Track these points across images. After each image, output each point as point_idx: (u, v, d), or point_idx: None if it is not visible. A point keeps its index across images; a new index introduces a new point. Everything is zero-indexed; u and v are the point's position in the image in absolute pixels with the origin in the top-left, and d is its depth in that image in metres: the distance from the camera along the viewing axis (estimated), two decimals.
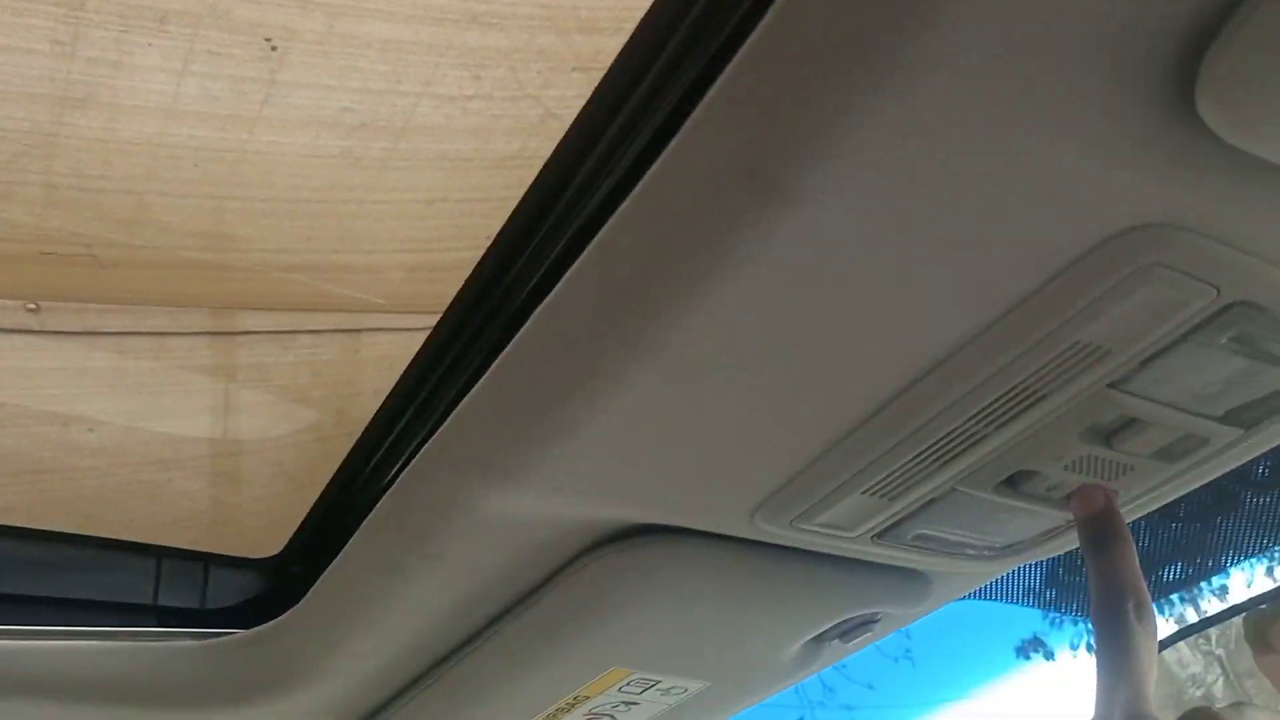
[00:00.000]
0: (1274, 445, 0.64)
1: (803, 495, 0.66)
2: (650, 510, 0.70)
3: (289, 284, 0.76)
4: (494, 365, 0.61)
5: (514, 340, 0.59)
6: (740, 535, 0.72)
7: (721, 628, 0.82)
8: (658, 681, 0.88)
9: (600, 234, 0.53)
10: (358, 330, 0.81)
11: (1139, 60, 0.40)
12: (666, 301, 0.51)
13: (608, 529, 0.72)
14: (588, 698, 0.88)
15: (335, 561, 0.79)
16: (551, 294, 0.56)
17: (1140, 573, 0.58)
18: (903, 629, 0.92)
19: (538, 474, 0.63)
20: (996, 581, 0.94)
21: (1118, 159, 0.44)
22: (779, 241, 0.47)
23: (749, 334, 0.53)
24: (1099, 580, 0.59)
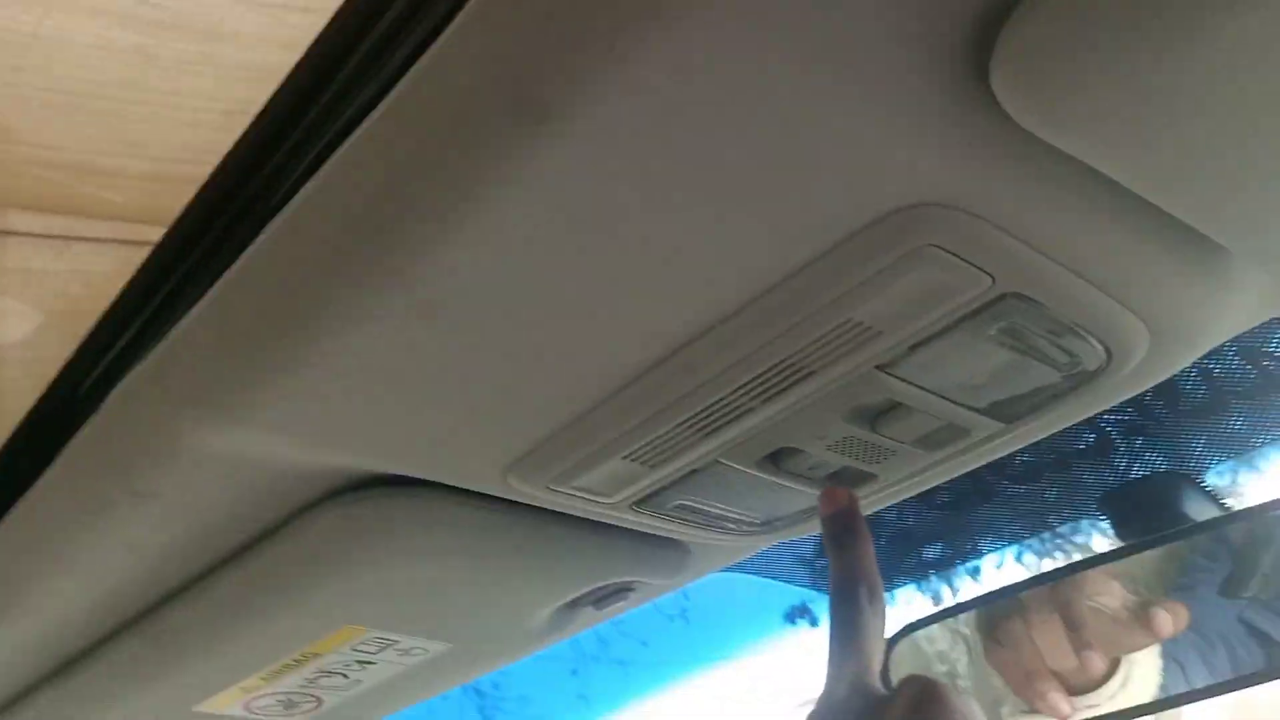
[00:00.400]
0: (1031, 441, 0.67)
1: (560, 456, 0.63)
2: (391, 460, 0.65)
3: (66, 186, 0.70)
4: (215, 287, 0.55)
5: (239, 260, 0.54)
6: (492, 493, 0.69)
7: (467, 589, 0.80)
8: (396, 641, 0.84)
9: (342, 149, 0.48)
10: (140, 243, 0.76)
11: (934, 31, 0.39)
12: (411, 229, 0.47)
13: (344, 477, 0.68)
14: (318, 655, 0.84)
15: (31, 489, 0.72)
16: (282, 212, 0.51)
17: (875, 564, 0.62)
18: (681, 589, 0.93)
19: (261, 411, 0.58)
20: (766, 554, 0.97)
21: (905, 132, 0.43)
22: (538, 173, 0.44)
23: (503, 273, 0.49)
24: (838, 570, 0.62)
